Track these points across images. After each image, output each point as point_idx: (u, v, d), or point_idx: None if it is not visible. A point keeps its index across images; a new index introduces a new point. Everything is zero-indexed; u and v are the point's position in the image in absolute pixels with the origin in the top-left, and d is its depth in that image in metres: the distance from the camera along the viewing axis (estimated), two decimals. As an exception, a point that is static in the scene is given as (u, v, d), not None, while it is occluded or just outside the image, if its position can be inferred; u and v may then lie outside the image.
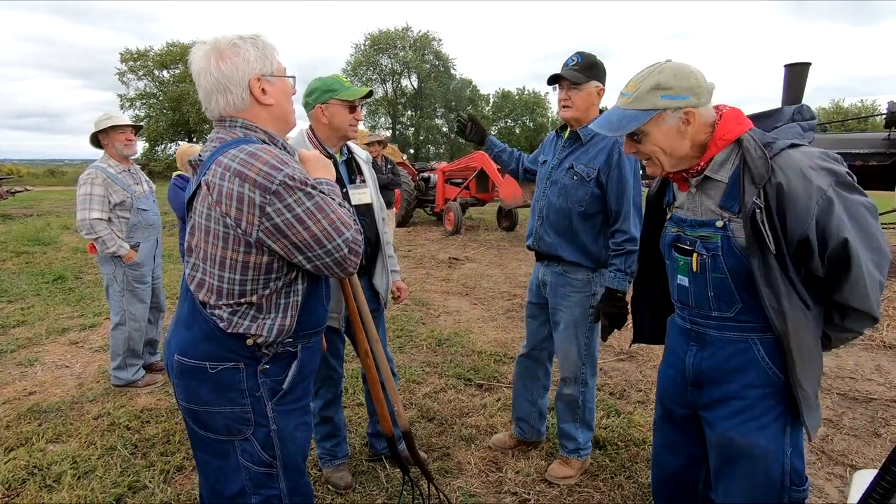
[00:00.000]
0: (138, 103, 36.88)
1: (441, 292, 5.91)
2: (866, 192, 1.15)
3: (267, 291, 1.21)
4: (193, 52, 1.24)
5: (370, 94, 2.08)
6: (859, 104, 45.10)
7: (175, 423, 2.82)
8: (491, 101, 57.01)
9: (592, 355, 2.31)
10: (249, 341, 1.21)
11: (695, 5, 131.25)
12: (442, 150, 49.93)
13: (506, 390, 3.24)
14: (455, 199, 10.89)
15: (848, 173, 1.15)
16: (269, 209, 1.12)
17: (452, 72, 48.64)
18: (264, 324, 1.22)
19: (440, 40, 45.28)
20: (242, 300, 1.20)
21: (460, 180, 11.21)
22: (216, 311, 1.20)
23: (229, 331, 1.20)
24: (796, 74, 7.43)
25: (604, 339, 2.19)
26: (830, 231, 1.12)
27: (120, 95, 37.19)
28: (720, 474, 1.36)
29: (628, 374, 3.55)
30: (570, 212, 2.17)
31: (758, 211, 1.15)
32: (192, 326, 1.23)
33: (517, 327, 4.53)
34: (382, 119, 45.01)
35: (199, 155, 1.23)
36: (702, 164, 1.26)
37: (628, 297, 1.84)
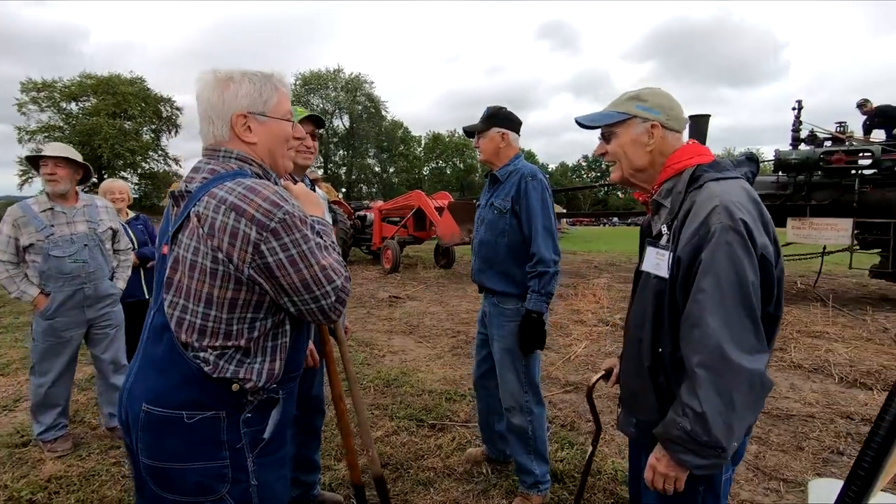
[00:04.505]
0: (39, 136, 33.82)
1: (384, 331, 5.78)
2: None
3: (255, 334, 1.15)
4: (201, 76, 1.24)
5: (316, 120, 2.04)
6: (747, 151, 51.41)
7: (91, 492, 2.48)
8: (423, 142, 58.55)
9: (533, 383, 2.36)
10: (235, 386, 1.13)
11: (601, 65, 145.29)
12: (374, 190, 50.13)
13: (459, 429, 3.18)
14: (393, 238, 10.88)
15: (747, 226, 1.12)
16: (263, 247, 1.08)
17: (384, 113, 49.63)
18: (252, 368, 1.14)
19: (372, 83, 46.30)
20: (229, 343, 1.12)
21: (397, 219, 11.27)
22: (201, 354, 1.11)
23: (215, 375, 1.11)
24: (699, 124, 8.36)
25: (524, 353, 2.30)
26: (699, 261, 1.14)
27: (18, 128, 33.95)
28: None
29: (576, 405, 3.63)
30: (496, 244, 2.33)
31: (664, 237, 1.26)
32: (167, 371, 1.13)
33: (465, 364, 4.51)
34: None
35: (186, 186, 1.17)
36: (655, 188, 1.35)
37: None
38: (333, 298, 1.15)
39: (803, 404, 3.62)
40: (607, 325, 5.87)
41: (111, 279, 3.05)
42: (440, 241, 10.46)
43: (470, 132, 2.44)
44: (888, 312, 6.61)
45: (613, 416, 3.33)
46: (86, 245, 2.87)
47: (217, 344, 1.12)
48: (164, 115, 39.90)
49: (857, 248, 7.70)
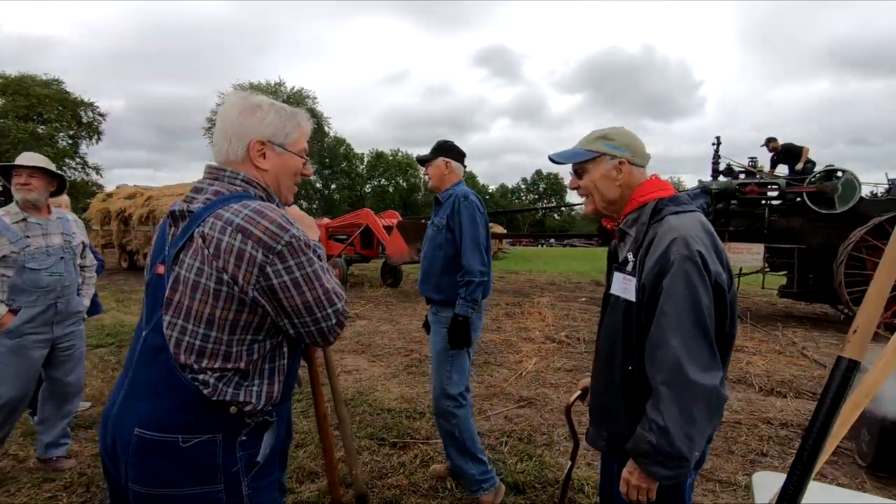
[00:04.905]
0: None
1: (335, 350, 5.70)
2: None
3: (254, 356, 1.15)
4: (229, 97, 1.27)
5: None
6: (669, 179, 56.01)
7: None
8: (365, 160, 58.32)
9: (449, 394, 2.53)
10: (233, 409, 1.11)
11: (538, 92, 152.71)
12: (315, 207, 49.13)
13: (421, 446, 3.22)
14: (339, 256, 10.75)
15: (702, 257, 1.26)
16: (268, 269, 1.09)
17: (327, 129, 49.05)
18: (251, 390, 1.14)
19: (315, 98, 45.66)
20: (229, 365, 1.11)
21: (344, 236, 11.16)
22: (200, 376, 1.10)
23: (214, 398, 1.10)
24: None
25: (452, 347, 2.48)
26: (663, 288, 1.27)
27: None
28: None
29: (530, 419, 3.78)
30: (435, 257, 2.58)
31: (630, 264, 1.39)
32: (164, 394, 1.10)
33: (420, 383, 4.55)
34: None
35: (187, 206, 1.16)
36: (621, 218, 1.49)
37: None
38: (334, 321, 1.17)
39: (731, 412, 3.98)
40: (554, 342, 6.14)
41: (78, 295, 2.91)
42: (389, 260, 10.46)
43: (421, 161, 2.74)
44: (794, 328, 7.41)
45: (567, 429, 3.51)
46: (62, 258, 2.74)
47: (216, 366, 1.11)
48: (85, 120, 37.10)
49: (768, 270, 8.59)
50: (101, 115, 37.78)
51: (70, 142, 36.61)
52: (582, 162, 1.49)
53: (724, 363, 1.33)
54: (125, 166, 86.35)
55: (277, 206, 1.26)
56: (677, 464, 1.24)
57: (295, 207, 1.43)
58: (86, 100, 36.85)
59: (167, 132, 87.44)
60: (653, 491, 1.31)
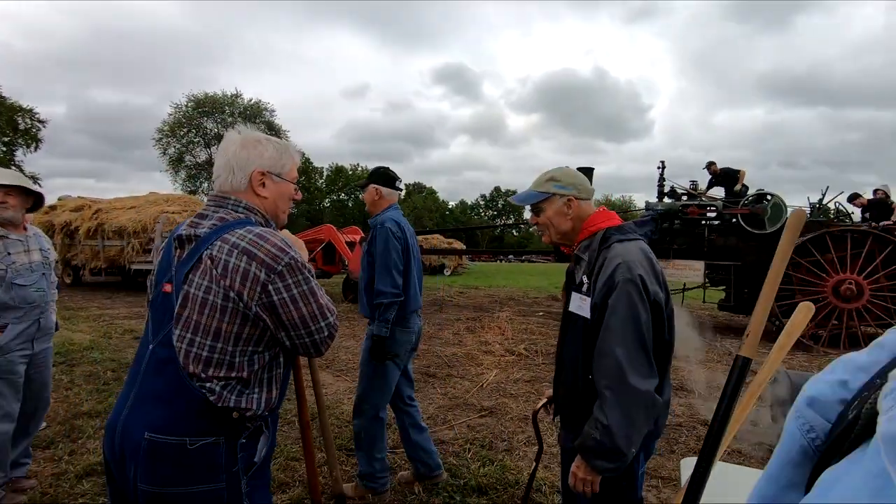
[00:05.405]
0: None
1: (302, 367, 5.72)
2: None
3: (255, 366, 1.27)
4: (229, 133, 1.42)
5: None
6: (621, 198, 58.59)
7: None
8: (325, 174, 57.82)
9: (374, 402, 2.79)
10: (235, 414, 1.23)
11: (496, 111, 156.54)
12: (272, 220, 47.94)
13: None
14: (300, 271, 10.70)
15: (642, 279, 1.46)
16: (270, 287, 1.23)
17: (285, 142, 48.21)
18: (252, 398, 1.26)
19: (273, 110, 44.94)
20: (232, 374, 1.24)
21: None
22: (207, 384, 1.22)
23: (219, 405, 1.22)
24: (585, 175, 9.56)
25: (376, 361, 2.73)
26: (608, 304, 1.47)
27: None
28: None
29: (491, 427, 3.98)
30: (363, 279, 2.83)
31: (584, 286, 1.60)
32: (172, 401, 1.22)
33: (385, 395, 4.67)
34: (206, 184, 41.67)
35: (194, 231, 1.29)
36: (576, 245, 1.71)
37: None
38: (326, 334, 1.32)
39: (673, 416, 4.33)
40: (513, 355, 6.40)
41: None
42: (351, 276, 10.50)
43: (360, 187, 3.00)
44: (732, 339, 8.00)
45: (526, 435, 3.74)
46: (43, 274, 2.77)
47: (221, 375, 1.23)
48: (22, 126, 35.05)
49: (708, 285, 9.25)
50: (40, 121, 35.84)
51: (4, 149, 34.46)
52: (537, 202, 1.71)
53: (666, 366, 1.56)
54: (65, 175, 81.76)
55: (274, 230, 1.43)
56: (617, 458, 1.44)
57: (286, 231, 1.60)
58: (23, 105, 34.91)
59: (111, 141, 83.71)
60: (596, 483, 1.49)
